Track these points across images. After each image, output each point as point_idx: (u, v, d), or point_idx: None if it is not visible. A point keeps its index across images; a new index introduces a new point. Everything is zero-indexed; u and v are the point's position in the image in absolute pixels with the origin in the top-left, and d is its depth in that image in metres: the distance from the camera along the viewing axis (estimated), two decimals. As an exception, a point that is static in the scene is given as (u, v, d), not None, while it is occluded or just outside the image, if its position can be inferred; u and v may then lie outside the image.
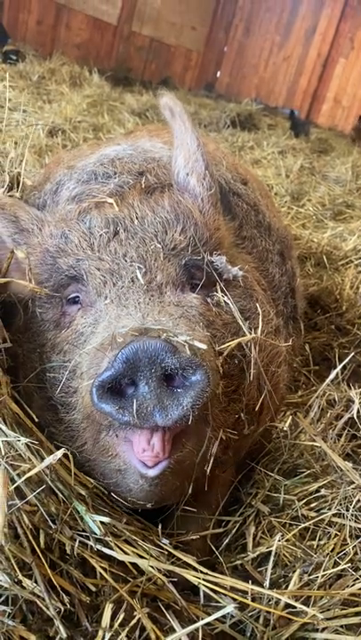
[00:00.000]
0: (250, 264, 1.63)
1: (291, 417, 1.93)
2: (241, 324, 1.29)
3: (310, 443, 1.69)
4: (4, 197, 1.51)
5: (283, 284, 1.85)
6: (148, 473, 1.05)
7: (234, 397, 1.26)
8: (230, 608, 1.03)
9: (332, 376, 1.91)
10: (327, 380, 1.94)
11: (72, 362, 1.21)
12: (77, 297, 1.31)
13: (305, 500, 1.48)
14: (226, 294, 1.32)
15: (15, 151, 2.12)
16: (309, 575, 1.25)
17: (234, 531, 1.42)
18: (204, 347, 1.06)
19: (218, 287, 1.34)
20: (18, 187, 1.98)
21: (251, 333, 1.28)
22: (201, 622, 1.00)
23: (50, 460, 1.02)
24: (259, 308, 1.40)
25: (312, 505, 1.46)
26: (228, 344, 1.22)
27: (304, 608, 1.12)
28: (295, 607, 1.15)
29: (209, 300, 1.31)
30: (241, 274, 1.38)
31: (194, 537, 1.31)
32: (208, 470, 1.15)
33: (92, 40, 9.62)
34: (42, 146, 4.13)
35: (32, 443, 1.08)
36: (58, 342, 1.29)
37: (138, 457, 1.05)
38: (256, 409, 1.32)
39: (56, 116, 5.29)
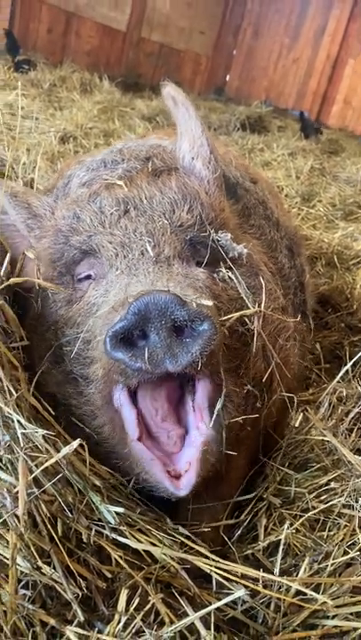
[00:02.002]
0: (257, 247, 1.66)
1: (302, 414, 1.96)
2: (245, 297, 1.32)
3: (321, 438, 1.71)
4: (16, 186, 1.57)
5: (292, 275, 1.89)
6: (177, 493, 1.14)
7: (239, 371, 1.30)
8: (242, 592, 1.06)
9: (342, 373, 1.93)
10: (338, 377, 1.97)
11: (86, 329, 1.27)
12: (89, 275, 1.36)
13: (315, 493, 1.50)
14: (232, 269, 1.36)
15: (28, 158, 2.18)
16: (319, 564, 1.27)
17: (246, 522, 1.45)
18: (210, 303, 1.12)
19: (223, 264, 1.37)
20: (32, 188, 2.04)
21: (255, 307, 1.32)
22: (213, 605, 1.04)
23: (66, 450, 1.07)
24: (263, 284, 1.43)
25: (322, 497, 1.49)
26: (231, 315, 1.26)
27: (315, 595, 1.15)
28: (306, 594, 1.18)
29: (215, 275, 1.35)
30: (246, 251, 1.42)
31: (206, 528, 1.34)
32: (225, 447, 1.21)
33: (101, 47, 9.72)
34: (54, 152, 4.20)
35: (49, 434, 1.12)
36: (71, 316, 1.35)
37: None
38: (264, 380, 1.35)
39: (67, 123, 5.36)
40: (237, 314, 1.27)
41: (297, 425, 1.88)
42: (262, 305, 1.36)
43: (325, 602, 1.15)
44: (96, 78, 7.99)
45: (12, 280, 1.31)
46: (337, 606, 1.17)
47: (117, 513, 1.16)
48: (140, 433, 1.16)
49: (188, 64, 11.16)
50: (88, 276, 1.37)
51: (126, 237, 1.31)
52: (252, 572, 1.17)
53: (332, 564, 1.26)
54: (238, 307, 1.34)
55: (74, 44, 9.36)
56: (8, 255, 1.45)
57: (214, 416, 1.17)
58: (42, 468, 1.07)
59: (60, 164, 3.73)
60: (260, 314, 1.32)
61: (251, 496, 1.52)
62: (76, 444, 1.08)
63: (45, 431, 1.11)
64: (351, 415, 1.89)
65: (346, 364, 1.98)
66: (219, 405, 1.17)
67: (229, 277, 1.36)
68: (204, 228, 1.37)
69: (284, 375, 1.45)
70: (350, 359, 2.14)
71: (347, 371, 2.04)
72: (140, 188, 1.42)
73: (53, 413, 1.24)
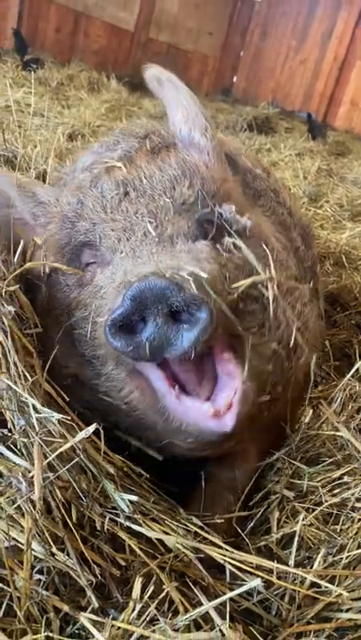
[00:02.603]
0: (265, 222, 1.64)
1: (312, 410, 1.95)
2: (252, 262, 1.28)
3: (332, 432, 1.70)
4: (21, 177, 1.56)
5: (307, 259, 1.87)
6: (223, 429, 1.12)
7: (263, 331, 1.29)
8: (257, 582, 1.05)
9: (354, 369, 1.92)
10: (349, 374, 1.96)
11: (94, 311, 1.27)
12: (95, 260, 1.37)
13: (328, 487, 1.49)
14: (236, 238, 1.34)
15: (40, 149, 2.18)
16: (333, 557, 1.26)
17: (258, 515, 1.44)
18: (205, 275, 1.09)
19: (229, 235, 1.35)
20: (44, 182, 2.04)
21: (265, 272, 1.29)
22: (228, 595, 1.03)
23: (82, 434, 1.06)
24: (276, 252, 1.41)
25: (335, 491, 1.47)
26: (242, 282, 1.23)
27: (330, 586, 1.14)
28: (320, 586, 1.16)
29: (219, 246, 1.32)
30: (250, 223, 1.39)
31: (219, 520, 1.33)
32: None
33: (109, 47, 9.74)
34: (62, 149, 4.20)
35: (65, 419, 1.12)
36: (81, 299, 1.35)
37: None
38: (291, 344, 1.34)
39: (75, 121, 5.37)
40: (249, 280, 1.24)
41: (307, 421, 1.87)
42: (271, 269, 1.32)
43: (341, 594, 1.13)
44: (104, 77, 8.02)
45: (29, 264, 1.30)
46: (353, 599, 1.15)
47: (131, 501, 1.15)
48: (172, 386, 1.15)
49: (195, 65, 11.18)
50: (95, 261, 1.37)
51: (128, 221, 1.31)
52: (266, 563, 1.16)
53: (346, 557, 1.24)
54: (248, 273, 1.30)
55: (82, 43, 9.38)
56: (22, 242, 1.45)
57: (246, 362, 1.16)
58: (57, 452, 1.06)
59: (68, 161, 3.74)
60: (272, 280, 1.31)
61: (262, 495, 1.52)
62: (92, 428, 1.07)
63: (61, 415, 1.10)
64: (362, 411, 1.88)
65: (356, 362, 1.97)
66: (247, 351, 1.17)
67: (235, 247, 1.33)
68: (206, 202, 1.36)
69: (305, 341, 1.44)
70: (360, 357, 2.14)
71: (357, 369, 2.03)
72: (140, 168, 1.41)
73: (67, 399, 1.23)
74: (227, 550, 1.17)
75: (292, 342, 1.34)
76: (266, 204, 1.79)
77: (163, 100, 1.55)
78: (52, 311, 1.41)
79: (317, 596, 1.15)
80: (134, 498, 1.15)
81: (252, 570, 1.14)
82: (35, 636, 0.96)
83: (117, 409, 1.26)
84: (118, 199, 1.36)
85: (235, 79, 11.75)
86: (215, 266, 1.20)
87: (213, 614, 1.03)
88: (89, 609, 1.01)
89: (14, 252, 1.42)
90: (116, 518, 1.13)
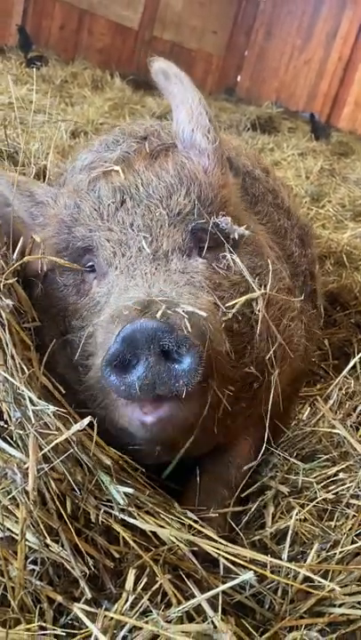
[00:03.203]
0: (261, 230, 1.65)
1: (309, 408, 1.96)
2: (249, 280, 1.33)
3: (329, 430, 1.71)
4: (18, 176, 1.56)
5: (302, 263, 1.87)
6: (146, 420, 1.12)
7: (244, 352, 1.31)
8: (249, 575, 1.05)
9: (349, 366, 1.93)
10: (345, 371, 1.96)
11: (88, 329, 1.30)
12: (93, 265, 1.38)
13: (323, 483, 1.50)
14: (233, 253, 1.36)
15: (42, 145, 2.19)
16: (327, 552, 1.27)
17: (253, 509, 1.45)
18: (203, 314, 1.12)
19: (225, 248, 1.37)
20: (44, 179, 2.05)
21: (260, 289, 1.32)
22: (221, 587, 1.03)
23: (77, 427, 1.07)
24: (270, 265, 1.43)
25: (330, 488, 1.48)
26: (236, 301, 1.27)
27: (323, 581, 1.14)
28: (313, 581, 1.17)
29: (215, 263, 1.35)
30: (248, 233, 1.40)
31: (213, 514, 1.34)
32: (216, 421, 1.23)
33: (113, 45, 9.75)
34: (64, 147, 4.21)
35: (60, 411, 1.12)
36: (78, 308, 1.37)
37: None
38: (266, 359, 1.35)
39: (78, 118, 5.38)
40: (243, 299, 1.29)
41: (304, 418, 1.88)
42: (268, 287, 1.36)
43: (334, 589, 1.14)
44: (107, 75, 8.02)
45: (28, 257, 1.31)
46: (345, 594, 1.16)
47: (126, 494, 1.16)
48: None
49: (199, 63, 11.17)
50: (93, 266, 1.39)
51: (123, 233, 1.33)
52: (260, 557, 1.17)
53: (340, 553, 1.25)
54: (243, 290, 1.34)
55: (86, 41, 9.40)
56: (21, 239, 1.45)
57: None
58: (52, 444, 1.07)
59: (70, 158, 3.75)
60: (265, 296, 1.32)
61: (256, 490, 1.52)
62: (86, 421, 1.08)
63: (56, 408, 1.11)
64: (359, 409, 1.88)
65: (353, 360, 1.98)
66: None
67: (232, 261, 1.36)
68: (202, 212, 1.37)
69: (287, 355, 1.45)
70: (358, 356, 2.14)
71: (355, 367, 2.04)
72: (137, 174, 1.42)
73: (64, 392, 1.24)
74: (221, 544, 1.17)
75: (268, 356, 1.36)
76: (263, 210, 1.79)
77: (168, 95, 1.53)
78: (48, 309, 1.43)
79: (311, 590, 1.15)
80: (130, 490, 1.16)
81: (245, 563, 1.15)
82: (28, 626, 0.97)
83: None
84: (115, 207, 1.37)
85: (239, 78, 11.74)
86: (210, 297, 1.24)
87: (206, 607, 1.04)
88: (82, 600, 1.02)
89: (13, 248, 1.42)
90: (111, 511, 1.14)
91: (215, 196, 1.41)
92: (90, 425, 1.10)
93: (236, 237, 1.39)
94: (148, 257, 1.28)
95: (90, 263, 1.39)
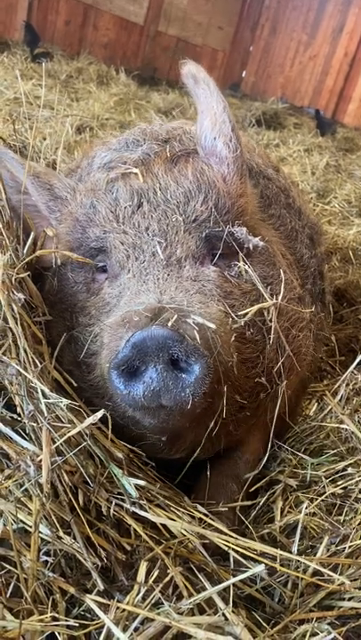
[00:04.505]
0: (275, 237, 1.65)
1: (316, 403, 1.96)
2: (261, 290, 1.33)
3: (336, 425, 1.71)
4: (38, 167, 1.56)
5: (312, 264, 1.87)
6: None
7: (256, 362, 1.32)
8: (260, 568, 1.06)
9: (356, 362, 1.93)
10: (352, 367, 1.96)
11: (96, 329, 1.31)
12: (105, 265, 1.38)
13: (331, 478, 1.50)
14: (246, 263, 1.36)
15: (50, 140, 2.19)
16: (336, 546, 1.27)
17: (261, 504, 1.46)
18: (213, 326, 1.12)
19: (239, 257, 1.37)
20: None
21: (271, 299, 1.33)
22: (232, 580, 1.04)
23: (90, 420, 1.07)
24: (281, 274, 1.43)
25: (338, 482, 1.48)
26: (247, 310, 1.27)
27: (333, 575, 1.15)
28: (323, 575, 1.18)
29: (227, 271, 1.35)
30: (262, 244, 1.41)
31: (223, 508, 1.34)
32: (217, 425, 1.24)
33: (118, 40, 9.73)
34: (70, 142, 4.20)
35: (73, 404, 1.13)
36: (87, 306, 1.38)
37: None
38: (274, 371, 1.36)
39: (84, 114, 5.37)
40: (255, 308, 1.29)
41: (312, 413, 1.88)
42: (279, 297, 1.36)
43: (343, 582, 1.14)
44: (112, 71, 8.00)
45: (40, 252, 1.32)
46: (355, 588, 1.16)
47: (138, 486, 1.16)
48: None
49: (204, 59, 11.12)
50: (105, 267, 1.39)
51: (138, 237, 1.33)
52: (270, 550, 1.17)
53: (349, 547, 1.25)
54: (253, 299, 1.35)
55: (91, 36, 9.37)
56: (32, 233, 1.46)
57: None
58: (65, 437, 1.07)
59: (76, 154, 3.75)
60: (276, 306, 1.33)
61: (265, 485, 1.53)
62: (99, 414, 1.08)
63: (69, 401, 1.12)
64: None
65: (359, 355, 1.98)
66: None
67: (245, 271, 1.36)
68: (218, 220, 1.37)
69: (294, 366, 1.45)
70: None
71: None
72: (156, 178, 1.41)
73: (75, 385, 1.25)
74: (231, 537, 1.18)
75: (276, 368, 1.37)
76: (276, 212, 1.79)
77: (194, 99, 1.54)
78: (57, 304, 1.43)
79: (320, 583, 1.16)
80: (142, 482, 1.17)
81: (255, 557, 1.15)
82: (41, 617, 0.98)
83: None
84: (131, 210, 1.37)
85: (244, 74, 11.69)
86: (220, 307, 1.24)
87: (217, 599, 1.04)
88: (94, 591, 1.03)
89: (25, 241, 1.43)
90: (122, 503, 1.15)
91: (232, 205, 1.41)
92: (103, 418, 1.11)
93: (251, 248, 1.39)
94: (161, 262, 1.28)
95: (102, 264, 1.39)
